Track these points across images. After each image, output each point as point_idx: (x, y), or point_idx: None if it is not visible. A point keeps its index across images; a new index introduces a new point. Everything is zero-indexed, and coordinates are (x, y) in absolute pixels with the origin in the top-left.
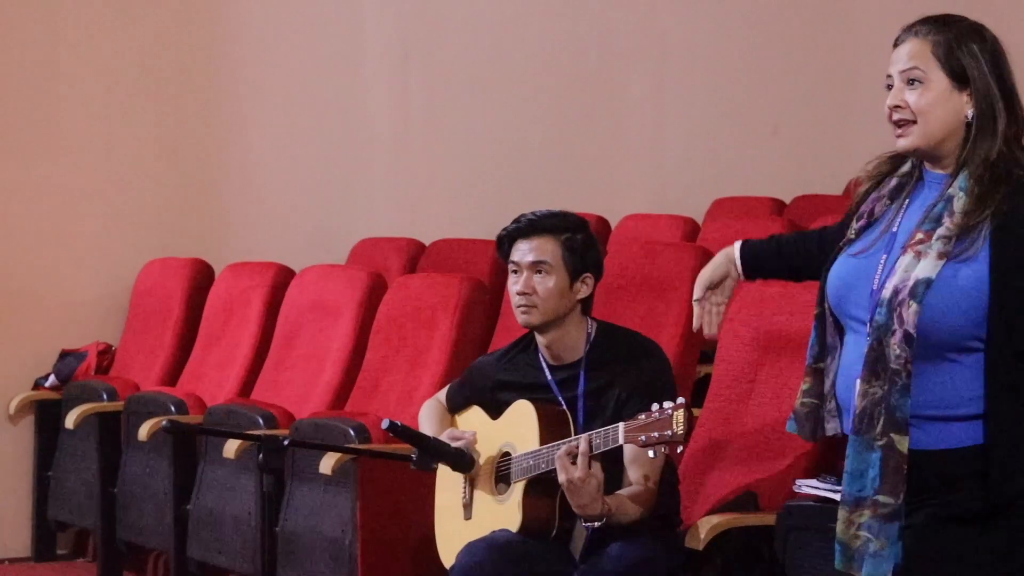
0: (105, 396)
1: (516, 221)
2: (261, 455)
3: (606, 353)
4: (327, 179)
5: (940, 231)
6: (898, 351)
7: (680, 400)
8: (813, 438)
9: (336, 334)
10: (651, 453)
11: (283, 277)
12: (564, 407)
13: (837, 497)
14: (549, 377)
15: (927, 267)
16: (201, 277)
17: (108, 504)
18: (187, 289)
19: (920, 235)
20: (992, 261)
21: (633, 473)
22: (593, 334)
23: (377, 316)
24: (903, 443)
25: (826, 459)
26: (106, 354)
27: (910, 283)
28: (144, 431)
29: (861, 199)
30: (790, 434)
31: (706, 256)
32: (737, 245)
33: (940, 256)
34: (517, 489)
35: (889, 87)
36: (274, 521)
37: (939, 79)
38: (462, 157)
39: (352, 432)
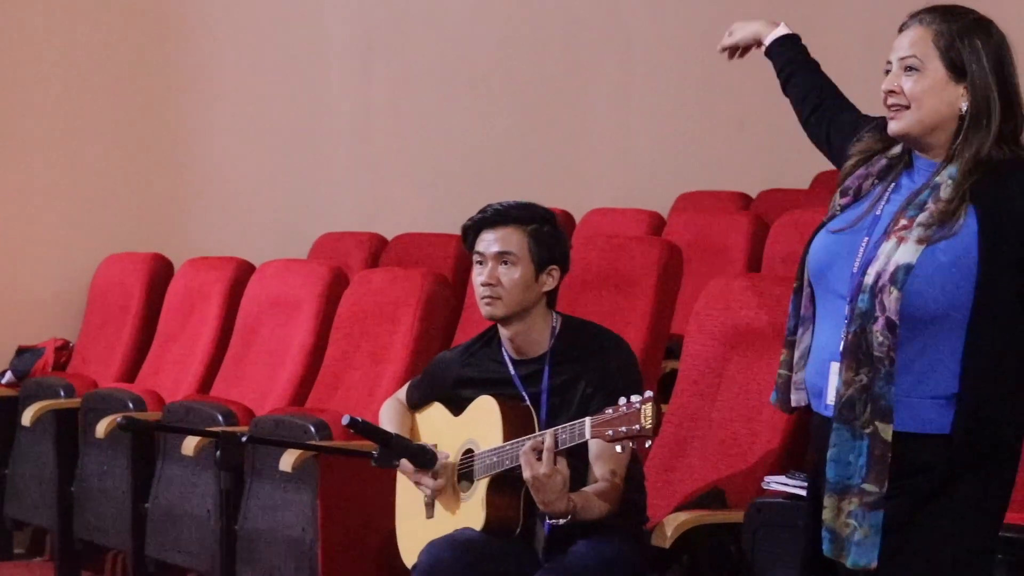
0: (62, 393)
1: (482, 211)
2: (219, 452)
3: (571, 347)
4: (288, 173)
5: (922, 217)
6: (881, 338)
7: (648, 394)
8: (789, 409)
9: (297, 330)
10: (618, 448)
11: (243, 272)
12: (528, 403)
13: (804, 493)
14: (512, 372)
15: (907, 252)
16: (160, 272)
17: (65, 502)
18: (146, 284)
19: (903, 221)
20: (981, 237)
21: (599, 469)
22: (558, 328)
23: (338, 311)
24: (887, 431)
25: (794, 455)
26: (64, 350)
27: (891, 268)
28: (101, 428)
29: (848, 172)
30: (757, 430)
31: (673, 251)
32: (781, 29)
33: (920, 241)
34: (480, 487)
35: (888, 72)
36: (233, 519)
37: (936, 69)
38: (425, 151)
39: (312, 429)
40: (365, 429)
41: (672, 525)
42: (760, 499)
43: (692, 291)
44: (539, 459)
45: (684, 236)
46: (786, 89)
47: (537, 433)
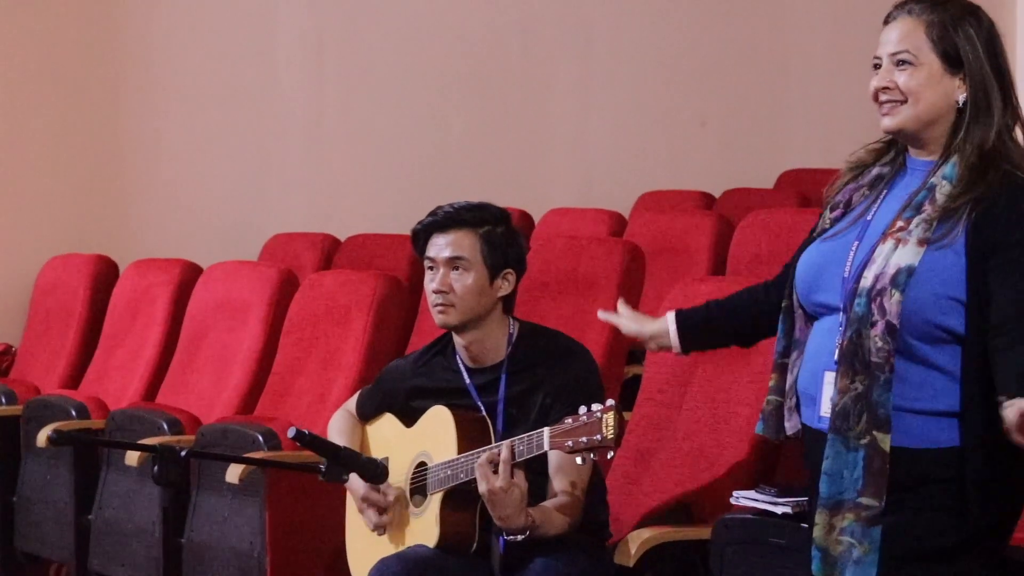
0: (3, 400)
1: (432, 214)
2: (156, 467)
3: (529, 355)
4: (238, 172)
5: (920, 218)
6: (880, 343)
7: (610, 402)
8: (778, 437)
9: (245, 334)
10: (579, 460)
11: (190, 274)
12: (483, 413)
13: (776, 510)
14: (468, 381)
15: (908, 254)
16: (105, 274)
17: (6, 513)
18: (90, 287)
19: (900, 223)
20: (968, 249)
21: (558, 482)
22: (515, 335)
23: (288, 315)
24: (885, 441)
25: (764, 469)
26: (6, 355)
27: (891, 271)
28: (42, 437)
29: (838, 190)
30: (726, 442)
31: (635, 252)
32: (671, 317)
33: (920, 243)
34: (434, 501)
35: (876, 67)
36: (179, 532)
37: (931, 61)
38: (379, 149)
39: (260, 438)
40: (312, 442)
41: (636, 542)
42: (728, 515)
43: (655, 294)
44: (495, 472)
45: (646, 237)
46: (723, 345)
47: (493, 444)
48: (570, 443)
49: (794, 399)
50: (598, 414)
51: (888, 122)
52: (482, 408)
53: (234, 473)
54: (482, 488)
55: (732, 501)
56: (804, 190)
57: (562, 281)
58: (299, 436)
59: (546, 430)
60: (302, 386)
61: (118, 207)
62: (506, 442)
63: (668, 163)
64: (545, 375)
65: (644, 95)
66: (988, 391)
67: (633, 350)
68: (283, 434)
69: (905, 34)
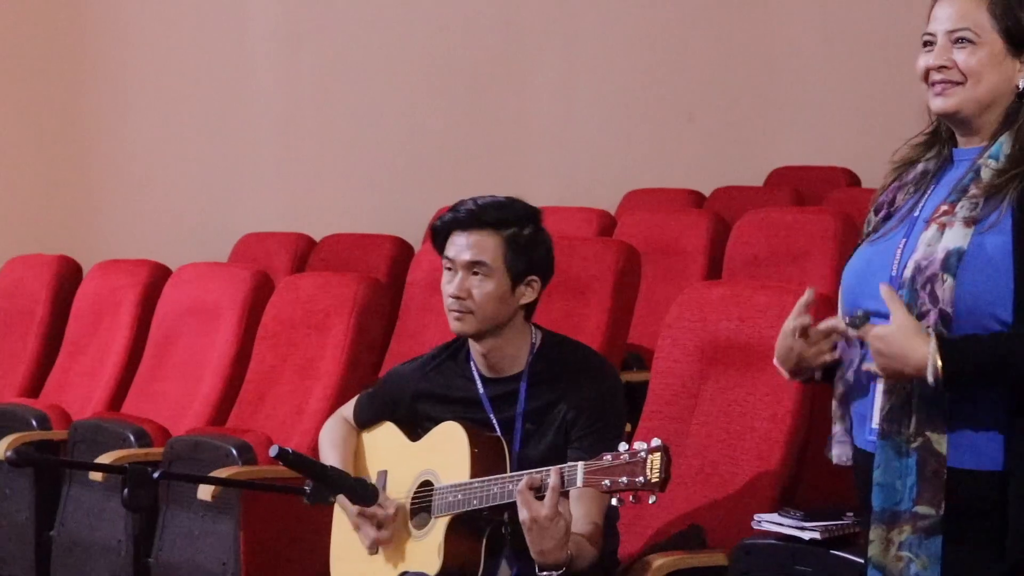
0: None
1: (454, 209)
2: (126, 491)
3: (551, 367)
4: (208, 169)
5: (965, 200)
6: None
7: (656, 442)
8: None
9: (217, 340)
10: (614, 501)
11: (158, 276)
12: (497, 429)
13: (803, 535)
14: (481, 391)
15: (956, 236)
16: (68, 276)
17: None
18: (52, 289)
19: (944, 207)
20: (1014, 229)
21: (581, 509)
22: (538, 344)
23: (263, 320)
24: (941, 442)
25: (785, 491)
26: None
27: (939, 255)
28: (0, 449)
29: (884, 188)
30: (741, 458)
31: (629, 253)
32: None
33: (967, 223)
34: (439, 526)
35: (927, 44)
36: (147, 550)
37: (993, 40)
38: (356, 146)
39: (235, 451)
40: (295, 462)
41: (649, 569)
42: (749, 540)
43: (648, 297)
44: (539, 498)
45: (637, 237)
46: None
47: (536, 470)
48: (607, 482)
49: (842, 424)
50: (643, 454)
51: (941, 103)
52: (494, 422)
53: (206, 490)
54: (524, 516)
55: (753, 525)
56: (798, 187)
57: (554, 282)
58: (282, 455)
59: (580, 465)
60: (278, 395)
61: (82, 205)
62: (555, 468)
63: (654, 160)
64: (568, 389)
65: (630, 89)
66: None
67: (626, 358)
68: (259, 447)
69: (965, 11)
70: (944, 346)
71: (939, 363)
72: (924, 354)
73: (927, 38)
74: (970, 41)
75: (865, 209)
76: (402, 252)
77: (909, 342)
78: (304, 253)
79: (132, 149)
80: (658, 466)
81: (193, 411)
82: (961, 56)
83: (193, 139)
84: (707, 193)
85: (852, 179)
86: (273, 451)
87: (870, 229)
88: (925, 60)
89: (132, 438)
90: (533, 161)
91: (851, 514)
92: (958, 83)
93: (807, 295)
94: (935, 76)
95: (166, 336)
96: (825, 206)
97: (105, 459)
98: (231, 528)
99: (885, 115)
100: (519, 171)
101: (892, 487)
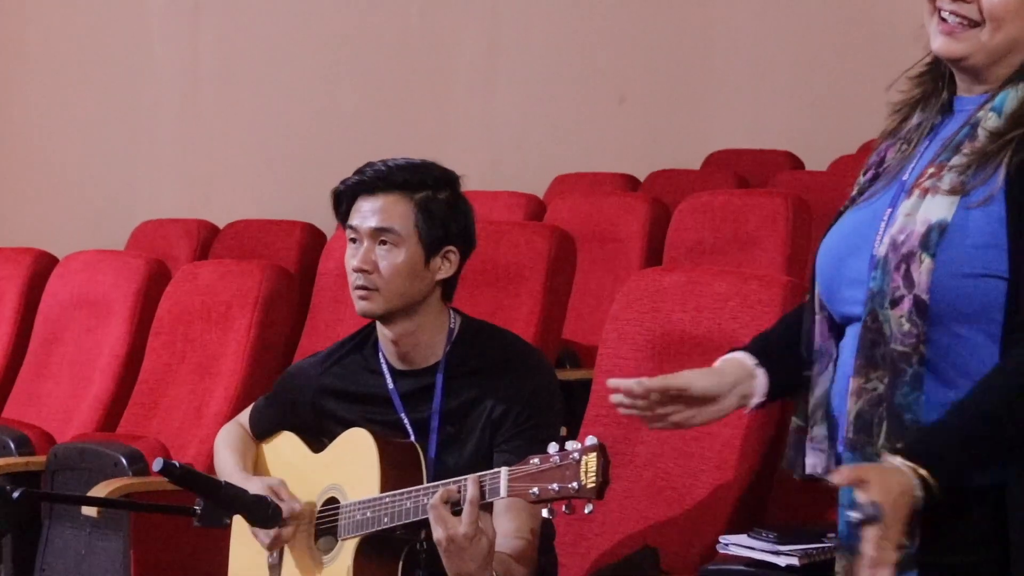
0: None
1: (359, 172)
2: None
3: (473, 358)
4: (102, 150)
5: (955, 160)
6: (907, 326)
7: (591, 440)
8: (802, 475)
9: (107, 336)
10: (545, 512)
11: (43, 265)
12: (411, 434)
13: (779, 561)
14: (391, 386)
15: (938, 207)
16: None
17: None
18: None
19: (931, 169)
20: (1008, 204)
21: (509, 522)
22: (456, 330)
23: (158, 313)
24: None
25: (751, 507)
26: None
27: (918, 229)
28: None
29: (878, 144)
30: (700, 468)
31: (563, 239)
32: (743, 357)
33: (952, 191)
34: (347, 549)
35: None
36: (27, 570)
37: None
38: (262, 125)
39: (124, 461)
40: (185, 477)
41: None
42: (713, 565)
43: (581, 287)
44: (456, 513)
45: (568, 223)
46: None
47: (453, 480)
48: (535, 490)
49: (822, 427)
50: (575, 455)
51: (948, 45)
52: (407, 423)
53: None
54: (439, 534)
55: (719, 548)
56: (739, 171)
57: (479, 272)
58: (167, 470)
59: (504, 471)
60: (174, 397)
61: None
62: (471, 477)
63: (583, 143)
64: (493, 384)
65: (556, 67)
66: None
67: (560, 354)
68: (151, 455)
69: None
70: (918, 460)
71: (917, 481)
72: (908, 483)
73: None
74: None
75: (815, 194)
76: (313, 239)
77: (889, 484)
78: (207, 241)
79: (19, 128)
80: (594, 468)
81: (81, 415)
82: None
83: (87, 120)
84: (641, 177)
85: (795, 162)
86: (157, 465)
87: (855, 193)
88: None
89: (12, 445)
90: (453, 142)
91: (832, 535)
92: (975, 24)
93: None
94: (946, 7)
95: (51, 331)
96: (772, 189)
97: None
98: (121, 545)
99: (828, 96)
100: (438, 152)
101: (850, 505)
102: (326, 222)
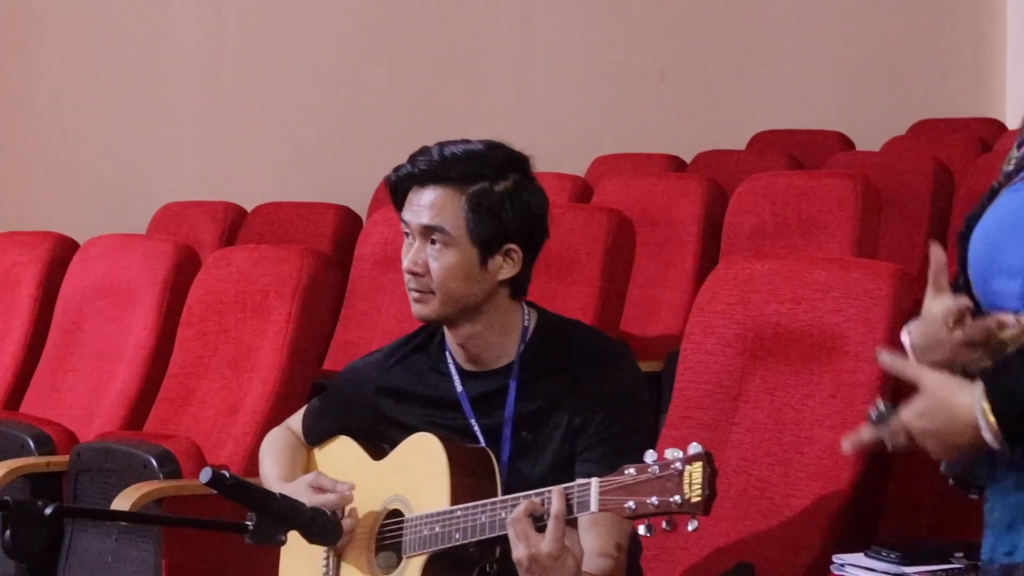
0: None
1: (411, 159)
2: (9, 533)
3: (550, 358)
4: (123, 130)
5: None
6: None
7: (696, 448)
8: (968, 490)
9: (133, 326)
10: (641, 529)
11: (63, 251)
12: (483, 444)
13: None
14: (460, 389)
15: None
16: None
17: None
18: None
19: None
20: None
21: (596, 539)
22: (531, 328)
23: (188, 302)
24: None
25: (860, 519)
26: None
27: None
28: None
29: None
30: (797, 478)
31: (621, 223)
32: None
33: None
34: (412, 568)
35: None
36: None
37: None
38: (288, 105)
39: (154, 462)
40: (235, 489)
41: None
42: None
43: (641, 272)
44: (540, 530)
45: (620, 204)
46: None
47: (535, 491)
48: (632, 504)
49: None
50: (678, 465)
51: None
52: (476, 430)
53: (124, 505)
54: (520, 553)
55: (834, 569)
56: (791, 152)
57: None
58: (217, 481)
59: (595, 482)
60: (206, 392)
61: None
62: (556, 489)
63: (622, 122)
64: (574, 385)
65: (594, 43)
66: None
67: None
68: (183, 456)
69: None
70: (993, 385)
71: (985, 405)
72: (969, 406)
73: None
74: None
75: (874, 176)
76: (348, 223)
77: (950, 401)
78: (234, 225)
79: (37, 107)
80: (699, 480)
81: (104, 411)
82: None
83: (107, 99)
84: (687, 158)
85: (846, 143)
86: (205, 476)
87: (1010, 168)
88: None
89: (31, 443)
90: (487, 122)
91: (960, 554)
92: None
93: (936, 254)
94: None
95: (73, 321)
96: (836, 170)
97: None
98: (151, 552)
99: (877, 74)
100: (472, 132)
101: (1006, 527)
102: (360, 204)
